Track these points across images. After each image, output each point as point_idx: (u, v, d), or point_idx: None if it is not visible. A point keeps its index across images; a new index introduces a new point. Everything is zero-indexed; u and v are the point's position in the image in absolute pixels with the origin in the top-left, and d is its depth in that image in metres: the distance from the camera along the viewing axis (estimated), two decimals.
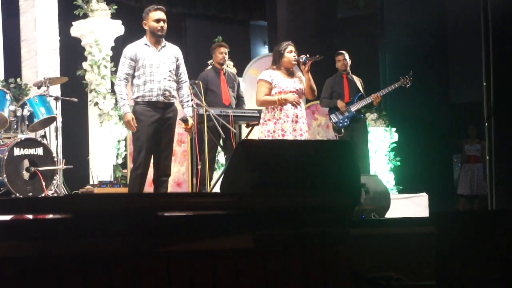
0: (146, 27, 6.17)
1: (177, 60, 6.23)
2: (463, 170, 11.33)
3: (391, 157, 9.97)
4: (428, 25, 10.65)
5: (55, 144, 7.11)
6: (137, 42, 6.21)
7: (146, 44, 6.13)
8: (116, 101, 6.69)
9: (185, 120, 6.28)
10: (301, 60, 6.45)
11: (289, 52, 6.41)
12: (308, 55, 6.48)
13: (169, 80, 6.12)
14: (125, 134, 8.83)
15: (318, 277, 2.48)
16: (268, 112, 6.36)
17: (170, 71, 6.14)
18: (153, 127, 6.04)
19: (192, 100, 7.06)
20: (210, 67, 8.67)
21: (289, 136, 6.26)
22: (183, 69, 6.29)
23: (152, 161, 6.20)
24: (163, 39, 6.19)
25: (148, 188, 8.68)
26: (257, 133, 6.73)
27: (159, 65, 6.08)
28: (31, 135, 7.11)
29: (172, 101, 6.17)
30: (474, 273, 2.80)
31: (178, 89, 6.28)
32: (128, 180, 6.34)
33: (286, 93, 6.32)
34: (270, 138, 6.17)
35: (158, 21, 6.11)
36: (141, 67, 6.06)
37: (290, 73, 6.47)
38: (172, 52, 6.21)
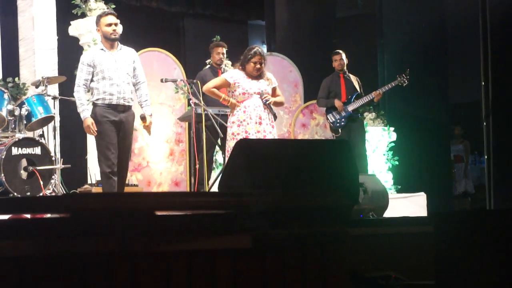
0: (99, 33, 6.34)
1: (134, 62, 6.36)
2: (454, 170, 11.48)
3: (389, 157, 9.97)
4: (427, 24, 10.65)
5: (53, 143, 7.11)
6: (94, 48, 6.43)
7: (102, 49, 6.27)
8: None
9: (143, 118, 6.36)
10: (260, 93, 6.33)
11: (254, 63, 6.33)
12: (267, 99, 6.32)
13: (128, 83, 6.27)
14: None
15: (316, 277, 2.48)
16: (233, 115, 6.34)
17: (127, 74, 6.27)
18: (114, 127, 6.17)
19: (190, 99, 7.07)
20: (208, 66, 8.67)
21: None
22: (139, 70, 6.40)
23: None
24: (119, 43, 6.32)
25: (146, 187, 8.69)
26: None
27: (116, 69, 6.22)
28: (29, 134, 7.10)
29: (130, 104, 6.32)
30: (472, 272, 2.80)
31: (136, 90, 6.40)
32: (102, 185, 6.37)
33: (250, 94, 6.29)
34: (235, 140, 6.10)
35: (109, 25, 6.23)
36: (100, 72, 6.19)
37: (258, 75, 6.40)
38: (128, 55, 6.34)
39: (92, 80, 6.21)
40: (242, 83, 6.32)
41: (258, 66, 6.31)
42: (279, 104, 6.64)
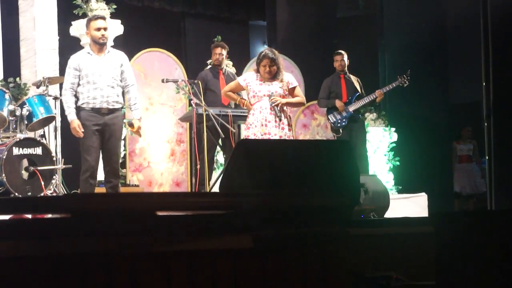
0: (88, 37, 6.45)
1: (122, 65, 6.41)
2: (457, 171, 11.39)
3: (390, 157, 9.97)
4: (428, 25, 10.65)
5: (54, 143, 7.11)
6: (81, 52, 6.51)
7: (89, 53, 6.36)
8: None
9: (130, 124, 6.48)
10: (269, 95, 6.35)
11: (263, 67, 6.38)
12: (273, 101, 6.32)
13: (113, 87, 6.32)
14: (124, 133, 8.83)
15: (317, 277, 2.48)
16: (247, 118, 6.49)
17: (113, 78, 6.32)
18: (98, 131, 6.23)
19: (191, 99, 7.08)
20: (209, 66, 8.67)
21: None
22: (128, 74, 6.44)
23: (102, 166, 6.45)
24: (107, 46, 6.41)
25: (147, 188, 8.69)
26: None
27: (101, 73, 6.29)
28: (30, 134, 7.10)
29: (116, 107, 6.36)
30: (473, 273, 2.80)
31: (125, 93, 6.47)
32: (80, 184, 6.42)
33: (260, 97, 6.35)
34: None
35: (98, 29, 6.33)
36: (85, 76, 6.27)
37: (272, 77, 6.41)
38: (115, 59, 6.39)
39: (79, 84, 6.29)
40: (253, 86, 6.41)
41: (267, 69, 6.36)
42: (294, 105, 6.68)
